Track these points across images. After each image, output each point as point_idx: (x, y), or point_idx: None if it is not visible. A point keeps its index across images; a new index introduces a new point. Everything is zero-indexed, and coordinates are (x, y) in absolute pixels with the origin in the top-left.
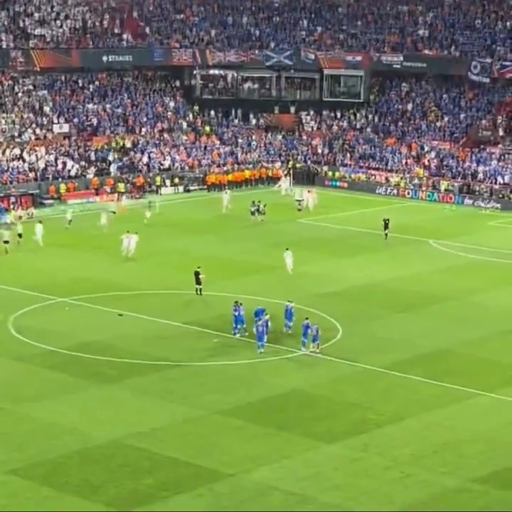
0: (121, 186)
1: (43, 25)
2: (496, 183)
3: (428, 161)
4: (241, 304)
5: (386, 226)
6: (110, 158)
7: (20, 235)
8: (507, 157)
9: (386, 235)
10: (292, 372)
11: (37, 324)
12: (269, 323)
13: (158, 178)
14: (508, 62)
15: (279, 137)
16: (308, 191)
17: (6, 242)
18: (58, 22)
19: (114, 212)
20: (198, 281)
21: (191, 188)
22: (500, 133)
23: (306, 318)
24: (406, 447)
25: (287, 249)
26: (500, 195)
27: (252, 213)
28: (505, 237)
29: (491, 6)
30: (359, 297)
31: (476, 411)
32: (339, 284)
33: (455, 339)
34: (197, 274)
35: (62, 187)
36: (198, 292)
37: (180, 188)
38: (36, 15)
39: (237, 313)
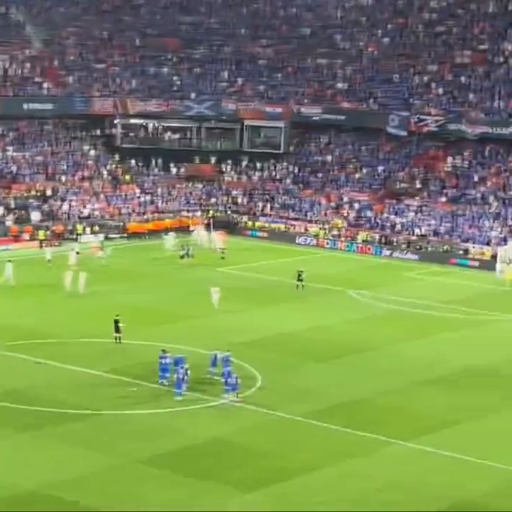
0: (41, 233)
1: None
2: (413, 235)
3: (347, 212)
4: (168, 351)
5: (299, 277)
6: (30, 206)
7: None
8: (424, 209)
9: (301, 286)
10: (211, 421)
11: None
12: (189, 372)
13: (78, 226)
14: (424, 116)
15: (200, 187)
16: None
17: None
18: None
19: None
20: (117, 330)
21: (111, 235)
22: (418, 185)
23: (227, 366)
24: (323, 496)
25: (214, 286)
26: (418, 247)
27: (182, 257)
28: (422, 287)
29: (408, 60)
30: (278, 346)
31: (393, 459)
32: (259, 332)
33: (372, 389)
34: (116, 322)
35: None
36: (117, 340)
37: (100, 236)
38: None
39: (163, 361)
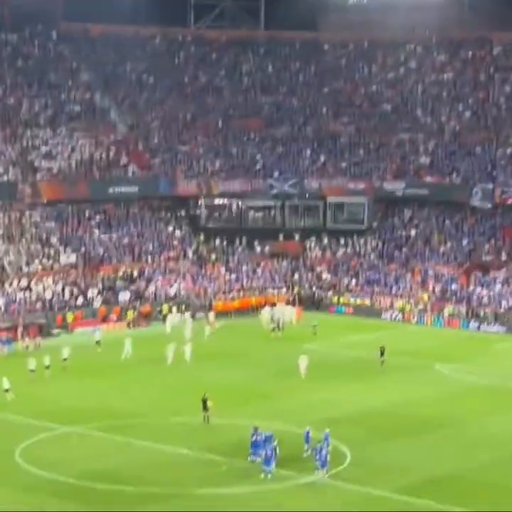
0: (130, 314)
1: (50, 158)
2: (500, 307)
3: (432, 285)
4: (259, 428)
5: (382, 353)
6: (117, 287)
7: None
8: (510, 281)
9: (382, 361)
10: (301, 499)
11: (45, 454)
12: (278, 449)
13: (165, 306)
14: (508, 187)
15: (285, 264)
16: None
17: (32, 370)
18: (65, 155)
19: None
20: (206, 408)
21: (198, 315)
22: (504, 257)
23: (319, 442)
24: None
25: (303, 354)
26: (506, 319)
27: (272, 329)
28: (510, 360)
29: (491, 133)
30: (366, 422)
31: None
32: (346, 409)
33: (462, 464)
34: (205, 400)
35: (69, 316)
36: (206, 419)
37: (187, 315)
38: (43, 148)
39: (254, 438)
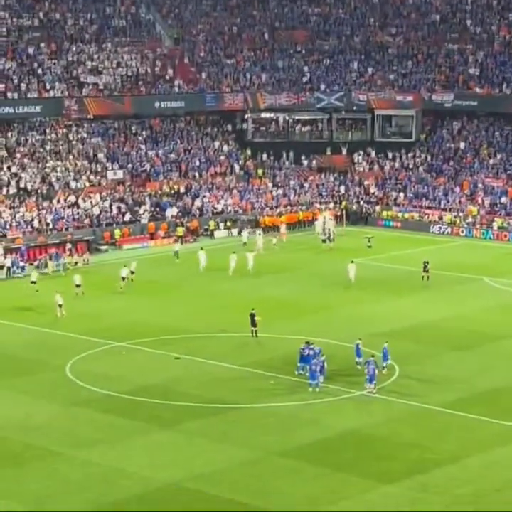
0: (180, 230)
1: (96, 74)
2: None
3: (481, 199)
4: (312, 343)
5: (425, 268)
6: (164, 203)
7: (78, 286)
8: None
9: (427, 277)
10: (349, 413)
11: (94, 369)
12: (326, 364)
13: (212, 223)
14: None
15: (332, 178)
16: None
17: (34, 282)
18: (110, 70)
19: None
20: (254, 323)
21: (245, 230)
22: None
23: (372, 356)
24: (466, 487)
25: (352, 261)
26: None
27: (323, 241)
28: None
29: None
30: (414, 336)
31: None
32: (394, 323)
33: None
34: (252, 316)
35: (117, 233)
36: (254, 334)
37: (234, 232)
38: (89, 63)
39: (306, 353)
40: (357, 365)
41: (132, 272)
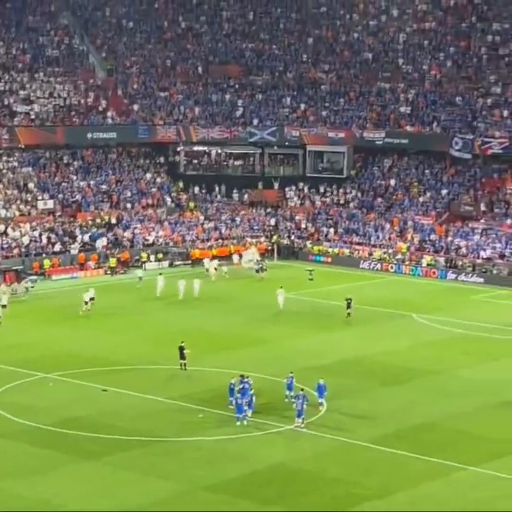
0: (112, 261)
1: (28, 103)
2: (478, 258)
3: (411, 235)
4: (247, 377)
5: (349, 306)
6: (95, 234)
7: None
8: (489, 232)
9: (348, 314)
10: (277, 447)
11: (20, 400)
12: (254, 398)
13: (144, 254)
14: (489, 138)
15: (263, 213)
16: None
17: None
18: (43, 100)
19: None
20: (183, 356)
21: (176, 263)
22: (482, 208)
23: (302, 390)
24: None
25: (281, 287)
26: (483, 270)
27: (257, 271)
28: (488, 311)
29: (472, 83)
30: (343, 371)
31: (461, 485)
32: (324, 358)
33: (439, 413)
34: (181, 348)
35: (47, 263)
36: (182, 367)
37: (165, 263)
38: (21, 93)
39: (241, 386)
40: (286, 399)
41: (92, 299)
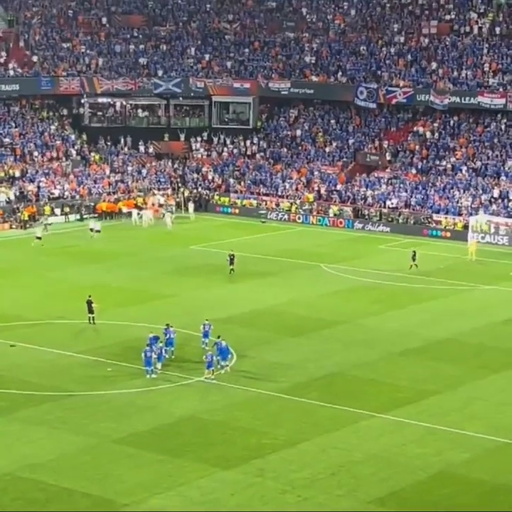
0: (24, 214)
1: None
2: (384, 207)
3: (318, 186)
4: (172, 326)
5: (231, 262)
6: None
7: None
8: (394, 181)
9: (232, 269)
10: (186, 399)
11: None
12: (163, 351)
13: (47, 208)
14: (393, 87)
15: (170, 164)
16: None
17: None
18: None
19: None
20: (91, 310)
21: (84, 216)
22: (388, 157)
23: (219, 337)
24: (302, 471)
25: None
26: (390, 219)
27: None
28: (394, 259)
29: (376, 32)
30: (251, 322)
31: (370, 432)
32: (231, 309)
33: (346, 362)
34: (89, 302)
35: None
36: (91, 321)
37: (71, 217)
38: None
39: (167, 336)
40: (203, 346)
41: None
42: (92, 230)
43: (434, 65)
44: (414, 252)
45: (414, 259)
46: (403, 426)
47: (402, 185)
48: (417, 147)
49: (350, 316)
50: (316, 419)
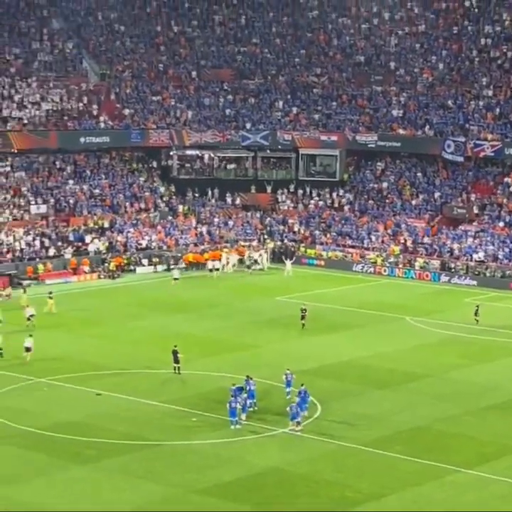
0: (112, 265)
1: (21, 108)
2: (471, 260)
3: (404, 238)
4: (252, 378)
5: (303, 317)
6: (88, 238)
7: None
8: (482, 234)
9: (303, 325)
10: (270, 451)
11: (15, 405)
12: (248, 402)
13: (133, 258)
14: (481, 141)
15: (257, 216)
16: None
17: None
18: (36, 105)
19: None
20: (176, 360)
21: (171, 266)
22: (475, 211)
23: (302, 385)
24: None
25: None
26: (476, 272)
27: (248, 267)
28: (481, 313)
29: (464, 86)
30: (337, 374)
31: (455, 488)
32: (317, 361)
33: (432, 416)
34: (175, 352)
35: (40, 267)
36: (176, 371)
37: (159, 268)
38: (15, 97)
39: (248, 388)
40: (287, 396)
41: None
42: (175, 279)
43: None
44: (477, 306)
45: (476, 314)
46: (488, 482)
47: (489, 239)
48: (505, 200)
49: (436, 370)
50: (400, 473)
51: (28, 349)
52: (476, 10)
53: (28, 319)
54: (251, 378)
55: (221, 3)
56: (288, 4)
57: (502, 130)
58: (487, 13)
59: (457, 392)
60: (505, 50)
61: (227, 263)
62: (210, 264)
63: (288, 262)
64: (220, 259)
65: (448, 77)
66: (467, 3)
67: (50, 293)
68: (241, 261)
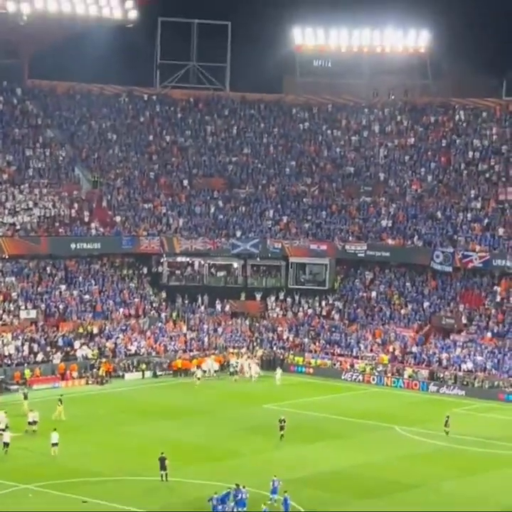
0: (102, 370)
1: (13, 214)
2: (460, 370)
3: (393, 347)
4: (243, 487)
5: (281, 428)
6: (76, 344)
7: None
8: (470, 344)
9: (282, 436)
10: None
11: None
12: (236, 510)
13: (124, 363)
14: (469, 252)
15: (246, 323)
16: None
17: None
18: (28, 210)
19: None
20: (163, 467)
21: (158, 373)
22: (464, 321)
23: (285, 492)
24: None
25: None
26: (465, 382)
27: (231, 374)
28: (469, 424)
29: (452, 198)
30: (324, 484)
31: None
32: (305, 470)
33: None
34: (162, 459)
35: (27, 372)
36: (164, 478)
37: (147, 374)
38: (7, 204)
39: (238, 497)
40: (269, 502)
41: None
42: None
43: (510, 230)
44: (448, 417)
45: (446, 425)
46: None
47: (477, 349)
48: (493, 311)
49: (423, 480)
50: None
51: (54, 444)
52: (465, 124)
53: (29, 424)
54: (243, 486)
55: (213, 114)
56: (279, 115)
57: (490, 242)
58: (475, 127)
59: (446, 503)
60: (492, 164)
61: (208, 370)
62: (198, 372)
63: (278, 370)
64: (199, 367)
65: (436, 188)
66: (456, 117)
67: (61, 398)
68: (222, 368)
